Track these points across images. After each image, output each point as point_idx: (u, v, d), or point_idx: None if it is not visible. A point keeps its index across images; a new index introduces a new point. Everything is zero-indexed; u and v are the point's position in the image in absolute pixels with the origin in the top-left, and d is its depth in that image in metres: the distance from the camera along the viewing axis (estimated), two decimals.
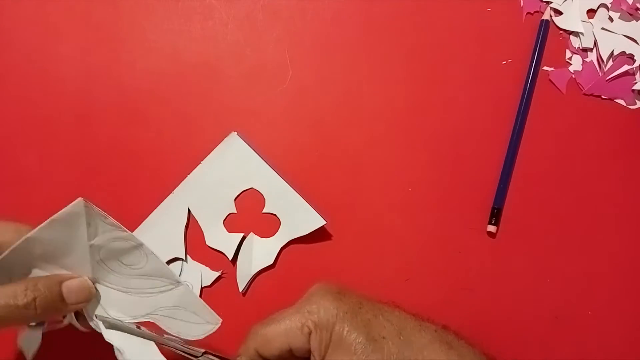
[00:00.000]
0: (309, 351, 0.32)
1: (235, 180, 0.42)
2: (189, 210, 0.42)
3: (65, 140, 0.44)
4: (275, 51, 0.45)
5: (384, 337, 0.31)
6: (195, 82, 0.45)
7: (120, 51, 0.45)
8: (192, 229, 0.42)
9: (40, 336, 0.34)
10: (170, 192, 0.42)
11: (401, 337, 0.31)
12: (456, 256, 0.42)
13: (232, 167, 0.42)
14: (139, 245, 0.32)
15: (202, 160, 0.43)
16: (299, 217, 0.41)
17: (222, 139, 0.43)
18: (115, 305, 0.33)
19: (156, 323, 0.34)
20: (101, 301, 0.33)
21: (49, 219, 0.31)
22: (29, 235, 0.31)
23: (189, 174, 0.43)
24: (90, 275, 0.33)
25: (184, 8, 0.46)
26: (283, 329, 0.32)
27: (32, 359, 0.34)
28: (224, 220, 0.42)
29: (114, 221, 0.32)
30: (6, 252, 0.30)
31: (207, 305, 0.33)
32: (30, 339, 0.34)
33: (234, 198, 0.42)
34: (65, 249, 0.32)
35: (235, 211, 0.42)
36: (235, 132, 0.43)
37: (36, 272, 0.32)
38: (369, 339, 0.31)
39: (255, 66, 0.45)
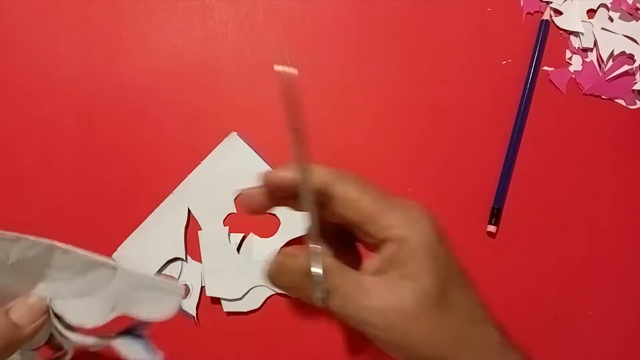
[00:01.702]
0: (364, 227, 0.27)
1: (235, 180, 0.42)
2: (189, 210, 0.42)
3: (65, 140, 0.44)
4: (275, 51, 0.45)
5: (459, 309, 0.27)
6: (195, 82, 0.45)
7: (120, 51, 0.45)
8: (192, 229, 0.42)
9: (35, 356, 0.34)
10: (170, 192, 0.42)
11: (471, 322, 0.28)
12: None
13: (232, 167, 0.42)
14: (50, 246, 0.30)
15: (202, 160, 0.43)
16: (298, 216, 0.41)
17: (222, 139, 0.43)
18: (77, 315, 0.31)
19: (127, 315, 0.31)
20: (65, 316, 0.31)
21: None
22: None
23: (189, 174, 0.43)
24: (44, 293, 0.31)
25: (184, 8, 0.46)
26: (370, 195, 0.27)
27: None
28: (224, 220, 0.42)
29: (11, 233, 0.30)
30: None
31: (158, 277, 0.31)
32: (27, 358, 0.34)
33: (234, 198, 0.42)
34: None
35: (235, 211, 0.42)
36: (235, 132, 0.43)
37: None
38: (444, 303, 0.26)
39: (255, 66, 0.45)
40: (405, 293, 0.25)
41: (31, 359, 0.34)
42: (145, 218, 0.42)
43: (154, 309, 0.31)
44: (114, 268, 0.31)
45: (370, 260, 0.27)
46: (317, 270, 0.26)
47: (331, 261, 0.27)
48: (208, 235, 0.42)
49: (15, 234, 0.30)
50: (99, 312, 0.31)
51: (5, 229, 0.41)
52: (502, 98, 0.44)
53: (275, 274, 0.27)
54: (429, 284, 0.25)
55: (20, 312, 0.30)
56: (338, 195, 0.27)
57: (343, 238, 0.29)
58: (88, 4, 0.46)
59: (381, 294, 0.26)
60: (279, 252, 0.28)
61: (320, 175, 0.28)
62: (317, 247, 0.27)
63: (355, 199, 0.27)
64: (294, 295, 0.28)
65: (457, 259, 0.28)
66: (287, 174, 0.27)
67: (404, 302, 0.25)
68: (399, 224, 0.26)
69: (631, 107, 0.43)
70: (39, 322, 0.31)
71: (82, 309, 0.32)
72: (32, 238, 0.30)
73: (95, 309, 0.32)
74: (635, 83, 0.43)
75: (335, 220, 0.28)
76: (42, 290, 0.31)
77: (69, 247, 0.30)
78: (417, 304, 0.25)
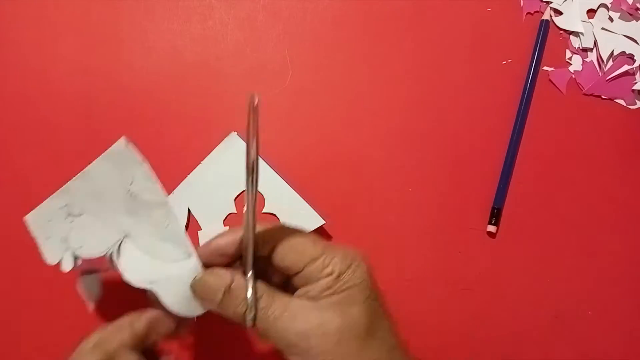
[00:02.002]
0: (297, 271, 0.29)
1: (235, 180, 0.42)
2: (189, 210, 0.42)
3: (65, 140, 0.44)
4: (275, 51, 0.45)
5: (379, 338, 0.29)
6: (195, 82, 0.45)
7: (120, 51, 0.45)
8: (192, 229, 0.42)
9: (98, 280, 0.34)
10: (170, 192, 0.42)
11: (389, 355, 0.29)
12: (456, 256, 0.42)
13: (232, 167, 0.42)
14: (164, 203, 0.31)
15: (202, 160, 0.43)
16: (298, 217, 0.41)
17: (222, 139, 0.43)
18: (130, 264, 0.32)
19: (155, 293, 0.31)
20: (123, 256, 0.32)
21: (102, 155, 0.31)
22: (89, 166, 0.31)
23: (189, 174, 0.43)
24: (124, 226, 0.32)
25: (184, 8, 0.46)
26: (311, 239, 0.29)
27: (95, 304, 0.34)
28: (224, 220, 0.42)
29: (148, 170, 0.31)
30: (70, 182, 0.31)
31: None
32: (89, 284, 0.34)
33: (234, 198, 0.42)
34: (109, 190, 0.31)
35: (235, 211, 0.42)
36: (235, 132, 0.43)
37: (85, 216, 0.31)
38: (367, 331, 0.28)
39: (255, 66, 0.45)
40: (333, 317, 0.27)
41: (96, 285, 0.35)
42: None
43: (179, 306, 0.31)
44: (190, 255, 0.31)
45: (305, 288, 0.29)
46: (246, 291, 0.28)
47: (261, 284, 0.29)
48: (208, 235, 0.42)
49: (149, 172, 0.31)
50: (142, 276, 0.32)
51: (5, 229, 0.42)
52: (502, 98, 0.44)
53: (199, 288, 0.29)
54: (358, 313, 0.27)
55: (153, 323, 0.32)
56: (282, 242, 0.29)
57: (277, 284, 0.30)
58: (88, 4, 0.46)
59: (307, 317, 0.27)
60: (207, 270, 0.30)
61: (263, 227, 0.30)
62: (249, 270, 0.29)
63: (298, 243, 0.29)
64: (218, 311, 0.29)
65: (383, 297, 0.30)
66: (227, 240, 0.31)
67: (328, 326, 0.27)
68: (338, 262, 0.28)
69: (631, 107, 0.43)
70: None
71: (136, 263, 0.32)
72: (157, 186, 0.31)
73: (143, 272, 0.32)
74: (635, 83, 0.43)
75: (276, 267, 0.30)
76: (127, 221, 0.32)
77: (175, 214, 0.32)
78: (342, 329, 0.27)
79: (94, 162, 0.32)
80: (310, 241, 0.29)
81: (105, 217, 0.32)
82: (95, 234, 0.33)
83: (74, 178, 0.32)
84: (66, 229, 0.33)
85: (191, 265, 0.31)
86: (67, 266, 0.33)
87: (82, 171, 0.31)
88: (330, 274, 0.28)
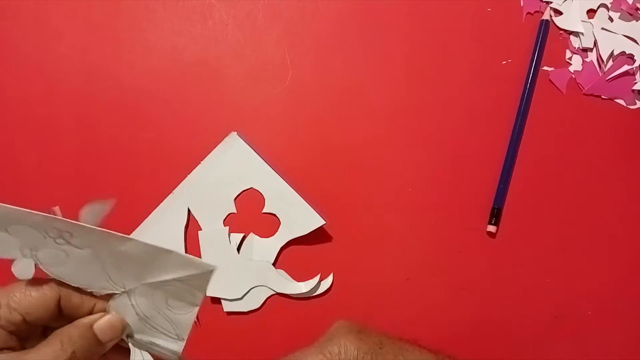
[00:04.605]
0: None
1: (235, 180, 0.42)
2: (189, 210, 0.42)
3: (65, 140, 0.44)
4: (275, 51, 0.45)
5: None
6: (195, 82, 0.45)
7: (120, 51, 0.45)
8: (192, 229, 0.42)
9: None
10: (170, 192, 0.42)
11: None
12: (456, 256, 0.42)
13: (232, 167, 0.42)
14: (195, 305, 0.30)
15: (202, 160, 0.43)
16: (298, 217, 0.41)
17: (222, 139, 0.43)
18: (118, 310, 0.32)
19: (126, 343, 0.32)
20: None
21: (146, 243, 0.30)
22: (132, 241, 0.29)
23: (189, 174, 0.43)
24: (129, 287, 0.31)
25: (184, 8, 0.46)
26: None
27: None
28: (224, 220, 0.42)
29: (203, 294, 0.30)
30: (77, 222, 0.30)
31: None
32: None
33: (234, 198, 0.42)
34: (140, 269, 0.31)
35: (235, 211, 0.42)
36: (235, 132, 0.43)
37: (85, 252, 0.30)
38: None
39: (255, 66, 0.45)
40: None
41: None
42: (145, 218, 0.42)
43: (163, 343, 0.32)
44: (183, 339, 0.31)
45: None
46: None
47: None
48: (208, 235, 0.42)
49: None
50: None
51: None
52: (502, 98, 0.44)
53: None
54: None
55: (103, 327, 0.30)
56: None
57: None
58: (88, 4, 0.46)
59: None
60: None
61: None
62: None
63: None
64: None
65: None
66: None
67: None
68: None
69: (631, 107, 0.43)
70: (116, 340, 0.31)
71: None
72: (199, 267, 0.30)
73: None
74: (635, 83, 0.43)
75: None
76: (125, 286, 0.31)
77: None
78: None
79: (143, 244, 0.30)
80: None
81: (111, 272, 0.32)
82: (87, 270, 0.31)
83: (107, 232, 0.30)
84: (43, 243, 0.31)
85: (175, 348, 0.31)
86: (21, 272, 0.30)
87: (124, 238, 0.30)
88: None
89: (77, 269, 0.31)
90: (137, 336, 0.32)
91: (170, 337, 0.32)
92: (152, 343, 0.32)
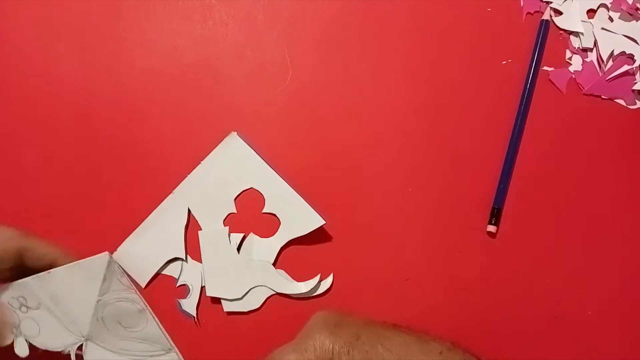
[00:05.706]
0: None
1: (235, 180, 0.42)
2: (189, 210, 0.42)
3: (65, 140, 0.44)
4: (275, 51, 0.45)
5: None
6: (195, 82, 0.45)
7: (120, 51, 0.45)
8: (192, 229, 0.42)
9: None
10: (170, 192, 0.42)
11: None
12: (456, 256, 0.42)
13: (232, 167, 0.42)
14: (143, 310, 0.33)
15: (202, 160, 0.43)
16: (298, 217, 0.41)
17: (222, 139, 0.43)
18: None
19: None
20: None
21: (73, 263, 0.32)
22: (53, 270, 0.31)
23: (189, 174, 0.43)
24: (86, 331, 0.33)
25: (184, 8, 0.46)
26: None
27: None
28: (224, 220, 0.42)
29: (128, 281, 0.33)
30: (28, 278, 0.32)
31: None
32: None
33: (233, 198, 0.42)
34: (75, 296, 0.32)
35: (235, 211, 0.42)
36: (235, 132, 0.43)
37: (41, 311, 0.32)
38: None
39: (255, 66, 0.45)
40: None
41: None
42: (145, 218, 0.42)
43: None
44: (170, 350, 0.34)
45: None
46: None
47: None
48: (208, 235, 0.42)
49: (129, 283, 0.34)
50: None
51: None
52: (502, 98, 0.44)
53: None
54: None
55: None
56: None
57: None
58: (88, 4, 0.46)
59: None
60: None
61: None
62: None
63: None
64: None
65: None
66: None
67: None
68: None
69: (631, 107, 0.43)
70: None
71: None
72: (137, 295, 0.33)
73: None
74: (635, 83, 0.43)
75: None
76: (90, 328, 0.34)
77: (154, 317, 0.34)
78: None
79: (61, 267, 0.32)
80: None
81: (64, 320, 0.33)
82: (51, 330, 0.34)
83: (32, 276, 0.33)
84: (17, 318, 0.34)
85: (170, 358, 0.33)
86: (21, 351, 0.33)
87: (45, 272, 0.32)
88: None
89: (48, 333, 0.33)
90: None
91: (160, 356, 0.33)
92: None
